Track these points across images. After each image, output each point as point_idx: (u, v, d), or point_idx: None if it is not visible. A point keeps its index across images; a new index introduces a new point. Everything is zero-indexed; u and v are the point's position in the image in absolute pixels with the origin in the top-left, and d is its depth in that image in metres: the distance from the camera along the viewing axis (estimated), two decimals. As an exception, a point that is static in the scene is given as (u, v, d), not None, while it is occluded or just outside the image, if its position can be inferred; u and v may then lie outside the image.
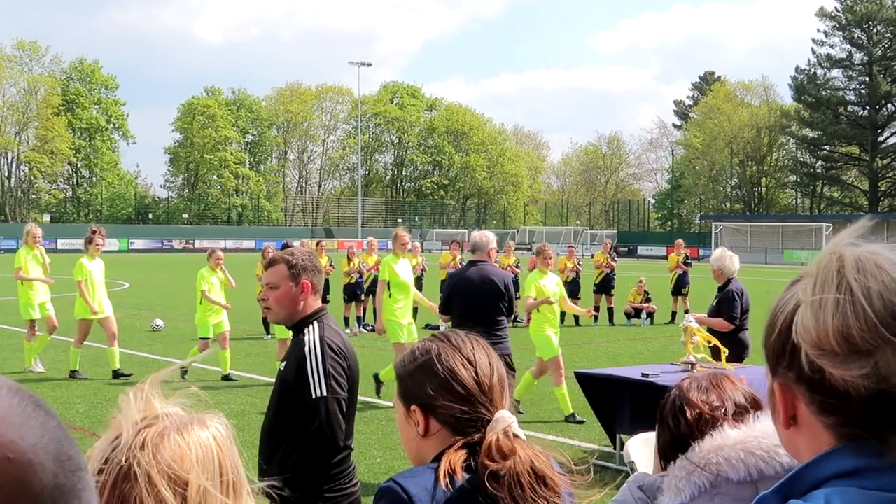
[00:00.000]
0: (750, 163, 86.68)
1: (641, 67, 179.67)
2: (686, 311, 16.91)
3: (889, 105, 75.78)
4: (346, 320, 18.34)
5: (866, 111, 76.52)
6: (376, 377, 10.89)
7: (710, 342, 7.97)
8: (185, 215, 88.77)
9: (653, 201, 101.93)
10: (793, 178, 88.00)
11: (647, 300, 21.51)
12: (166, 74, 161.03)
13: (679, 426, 2.04)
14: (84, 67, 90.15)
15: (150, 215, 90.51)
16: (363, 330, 18.71)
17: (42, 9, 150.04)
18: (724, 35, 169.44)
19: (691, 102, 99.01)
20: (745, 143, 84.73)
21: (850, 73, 77.28)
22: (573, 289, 18.81)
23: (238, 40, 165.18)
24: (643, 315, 21.05)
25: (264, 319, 17.05)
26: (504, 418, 1.86)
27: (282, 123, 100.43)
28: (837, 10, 76.52)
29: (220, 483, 1.30)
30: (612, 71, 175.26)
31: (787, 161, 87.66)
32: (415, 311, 13.27)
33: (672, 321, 20.60)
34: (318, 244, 21.68)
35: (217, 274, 12.71)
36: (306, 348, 3.70)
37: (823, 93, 76.75)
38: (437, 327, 17.62)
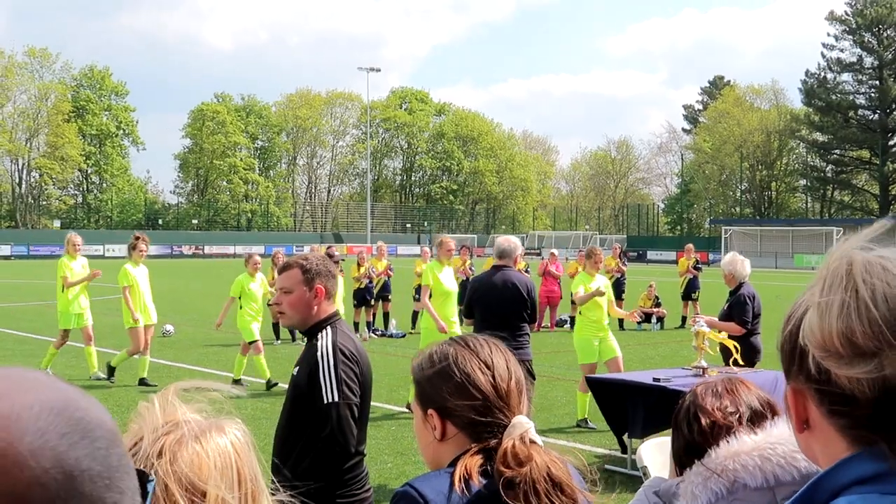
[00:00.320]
0: (760, 167, 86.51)
1: (651, 72, 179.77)
2: (696, 313, 16.83)
3: (899, 108, 75.63)
4: (356, 325, 18.36)
5: (876, 115, 76.26)
6: None
7: (720, 343, 7.97)
8: (194, 221, 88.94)
9: (662, 206, 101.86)
10: (803, 182, 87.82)
11: (657, 305, 21.47)
12: (176, 80, 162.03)
13: (693, 433, 2.04)
14: (94, 74, 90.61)
15: (160, 221, 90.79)
16: (373, 335, 18.73)
17: (52, 16, 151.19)
18: (733, 39, 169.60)
19: (701, 107, 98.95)
20: (755, 147, 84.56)
21: (861, 76, 77.12)
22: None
23: (247, 45, 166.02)
24: (653, 320, 21.00)
25: (275, 325, 17.06)
26: (521, 423, 1.84)
27: (291, 129, 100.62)
28: (847, 14, 76.36)
29: (237, 492, 1.29)
30: (621, 75, 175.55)
31: (797, 165, 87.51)
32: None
33: (682, 326, 20.59)
34: (330, 255, 21.66)
35: (255, 279, 12.94)
36: (319, 353, 3.68)
37: (833, 97, 76.60)
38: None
